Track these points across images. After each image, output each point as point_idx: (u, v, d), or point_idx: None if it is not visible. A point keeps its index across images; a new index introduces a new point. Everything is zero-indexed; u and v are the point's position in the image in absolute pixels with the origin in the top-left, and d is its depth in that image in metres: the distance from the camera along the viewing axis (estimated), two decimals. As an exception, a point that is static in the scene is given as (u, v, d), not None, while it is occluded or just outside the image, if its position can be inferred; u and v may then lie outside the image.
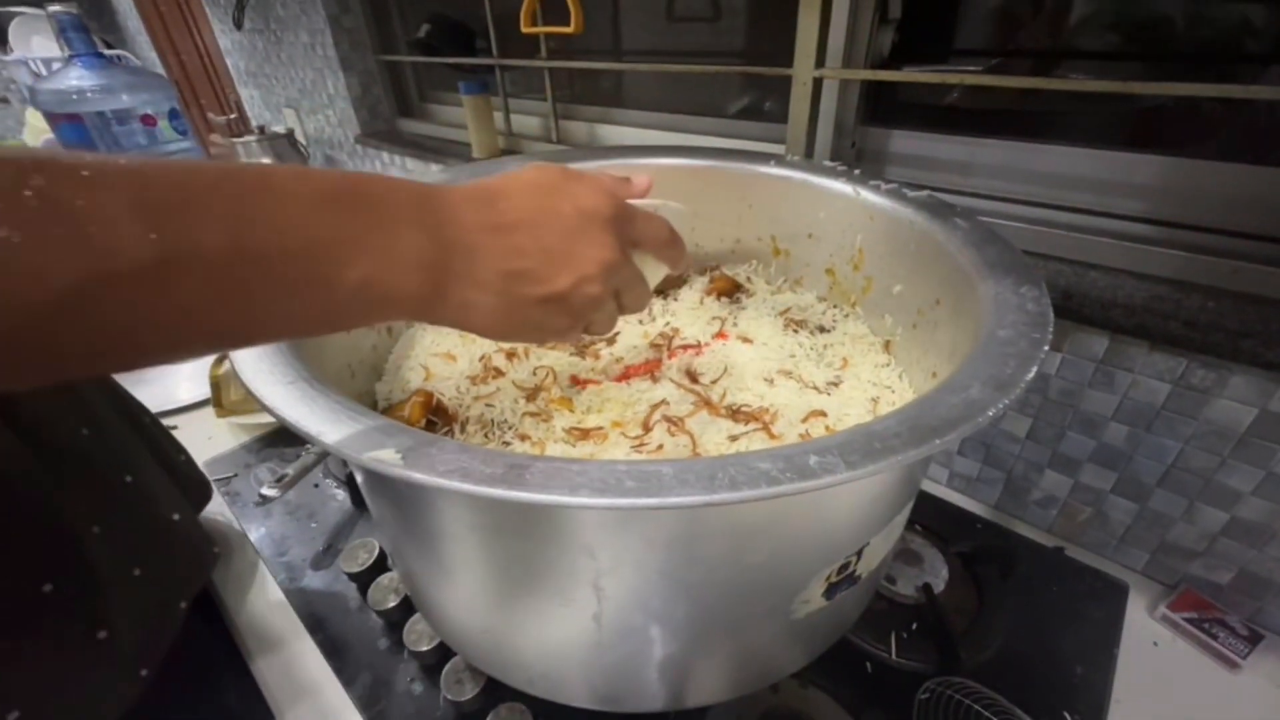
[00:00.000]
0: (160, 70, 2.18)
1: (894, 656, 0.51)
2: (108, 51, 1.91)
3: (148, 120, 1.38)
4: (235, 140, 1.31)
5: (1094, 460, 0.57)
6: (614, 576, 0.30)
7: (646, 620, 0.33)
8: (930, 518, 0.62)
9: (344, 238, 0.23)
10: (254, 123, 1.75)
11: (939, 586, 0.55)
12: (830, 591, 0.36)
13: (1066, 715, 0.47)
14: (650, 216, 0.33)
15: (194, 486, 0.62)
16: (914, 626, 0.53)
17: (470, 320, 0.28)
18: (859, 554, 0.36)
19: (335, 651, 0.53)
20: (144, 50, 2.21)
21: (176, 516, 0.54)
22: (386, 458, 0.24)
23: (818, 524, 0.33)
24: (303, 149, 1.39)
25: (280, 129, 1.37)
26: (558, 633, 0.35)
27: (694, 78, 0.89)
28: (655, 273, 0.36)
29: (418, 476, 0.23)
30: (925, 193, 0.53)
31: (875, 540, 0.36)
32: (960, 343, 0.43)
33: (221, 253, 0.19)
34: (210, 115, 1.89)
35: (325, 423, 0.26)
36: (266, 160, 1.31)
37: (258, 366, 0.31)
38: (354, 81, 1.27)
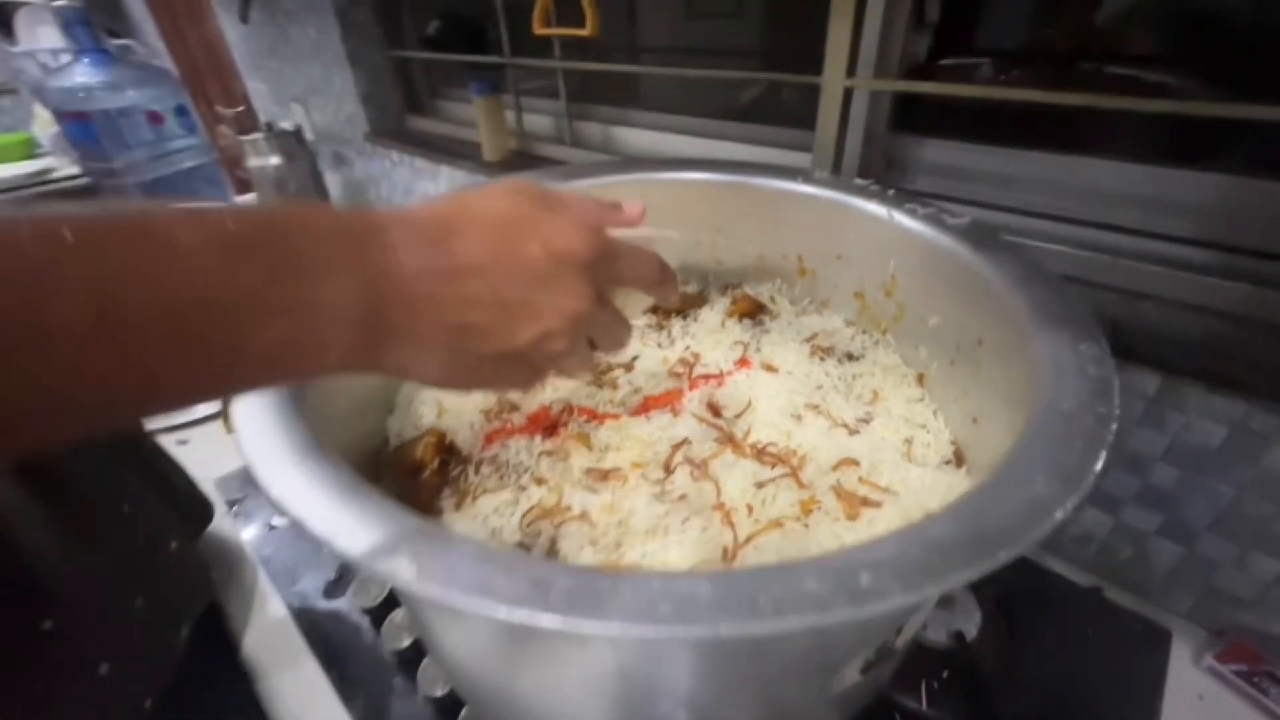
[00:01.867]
0: (167, 60, 2.16)
1: (924, 708, 0.49)
2: (114, 41, 1.89)
3: (154, 117, 1.36)
4: (244, 137, 1.29)
5: (1138, 501, 0.54)
6: (639, 669, 0.28)
7: (674, 706, 0.31)
8: (960, 553, 0.60)
9: (249, 294, 0.19)
10: (262, 117, 1.74)
11: (971, 633, 0.52)
12: (867, 669, 0.34)
13: (1106, 776, 0.44)
14: (638, 253, 0.30)
15: (195, 509, 0.62)
16: (945, 675, 0.51)
17: (410, 375, 0.25)
18: (898, 632, 0.33)
19: (348, 688, 0.52)
20: (151, 39, 2.18)
21: (174, 545, 0.54)
22: (401, 571, 0.21)
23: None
24: (310, 145, 1.37)
25: (288, 125, 1.35)
26: (580, 708, 0.34)
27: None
28: (639, 304, 0.33)
29: (435, 593, 0.21)
30: (968, 219, 0.50)
31: (915, 617, 0.34)
32: (1009, 395, 0.40)
33: (81, 326, 0.16)
34: (218, 108, 1.87)
35: (334, 521, 0.24)
36: (275, 159, 1.29)
37: (259, 430, 0.29)
38: (363, 77, 1.24)
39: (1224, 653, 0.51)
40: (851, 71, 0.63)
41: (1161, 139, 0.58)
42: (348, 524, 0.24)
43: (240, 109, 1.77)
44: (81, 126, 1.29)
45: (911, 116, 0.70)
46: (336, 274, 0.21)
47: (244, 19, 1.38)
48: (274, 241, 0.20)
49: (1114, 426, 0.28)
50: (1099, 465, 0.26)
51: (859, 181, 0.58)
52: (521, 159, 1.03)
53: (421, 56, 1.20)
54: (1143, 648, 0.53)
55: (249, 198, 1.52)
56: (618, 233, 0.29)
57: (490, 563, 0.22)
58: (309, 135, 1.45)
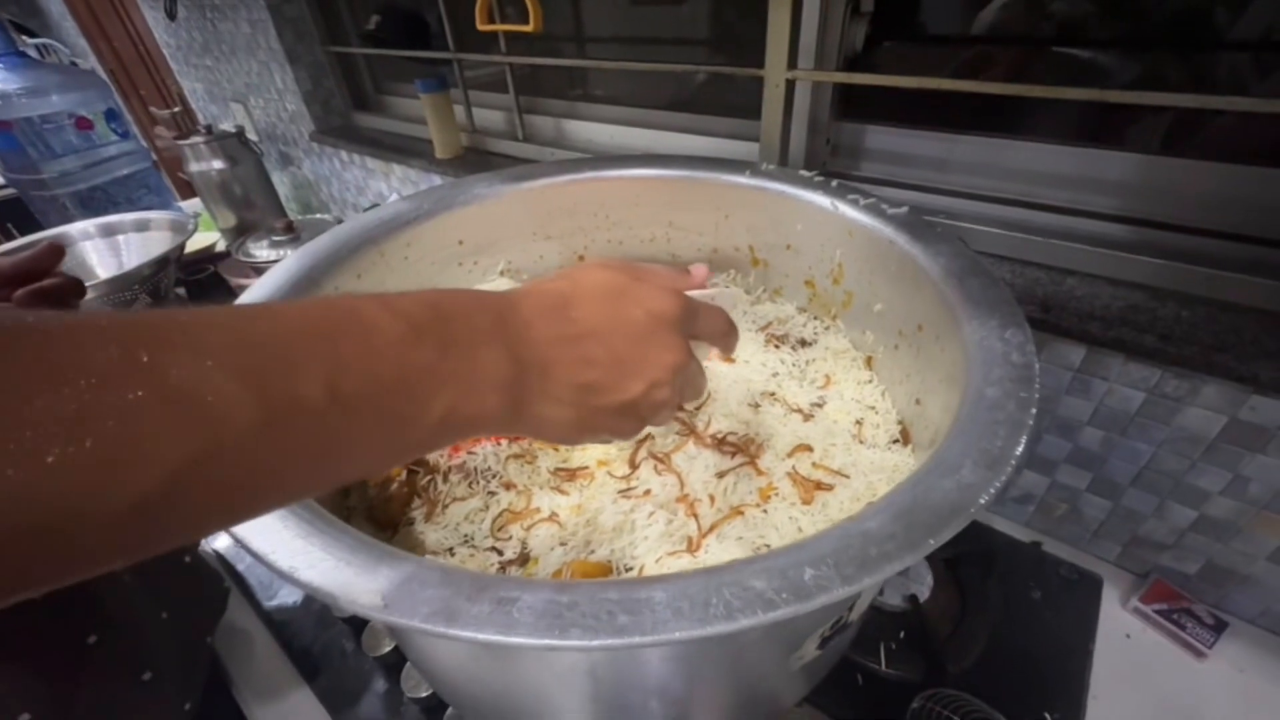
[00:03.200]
0: (92, 59, 2.04)
1: (884, 667, 0.52)
2: (31, 40, 1.78)
3: (83, 123, 1.29)
4: (182, 142, 1.23)
5: (1070, 461, 0.58)
6: (610, 666, 0.30)
7: (644, 697, 0.34)
8: (914, 521, 0.64)
9: (429, 368, 0.22)
10: (200, 117, 1.66)
11: (924, 594, 0.56)
12: (825, 643, 0.37)
13: (1047, 716, 0.49)
14: (710, 310, 0.33)
15: None
16: (902, 635, 0.54)
17: (543, 432, 0.28)
18: (850, 608, 0.36)
19: (331, 696, 0.53)
20: (71, 36, 2.05)
21: (188, 559, 0.56)
22: (368, 602, 0.23)
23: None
24: (255, 147, 1.32)
25: (229, 126, 1.30)
26: (558, 705, 0.35)
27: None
28: (705, 354, 0.37)
29: (400, 622, 0.22)
30: (905, 209, 0.52)
31: (865, 592, 0.37)
32: (946, 376, 0.42)
33: (318, 402, 0.19)
34: (153, 109, 1.78)
35: (297, 554, 0.25)
36: (218, 163, 1.24)
37: None
38: (303, 75, 1.20)
39: (1147, 594, 0.56)
40: (793, 63, 0.64)
41: (1086, 121, 0.62)
42: (310, 556, 0.25)
43: (177, 109, 1.69)
44: (2, 136, 1.22)
45: (854, 104, 0.72)
46: (489, 345, 0.24)
47: (170, 15, 1.32)
48: (444, 322, 0.23)
49: (1033, 411, 0.31)
50: (1019, 449, 0.29)
51: (804, 173, 0.60)
52: (474, 155, 1.01)
53: (363, 52, 1.17)
54: (1077, 595, 0.58)
55: (193, 203, 1.46)
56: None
57: (454, 585, 0.23)
58: (252, 136, 1.40)
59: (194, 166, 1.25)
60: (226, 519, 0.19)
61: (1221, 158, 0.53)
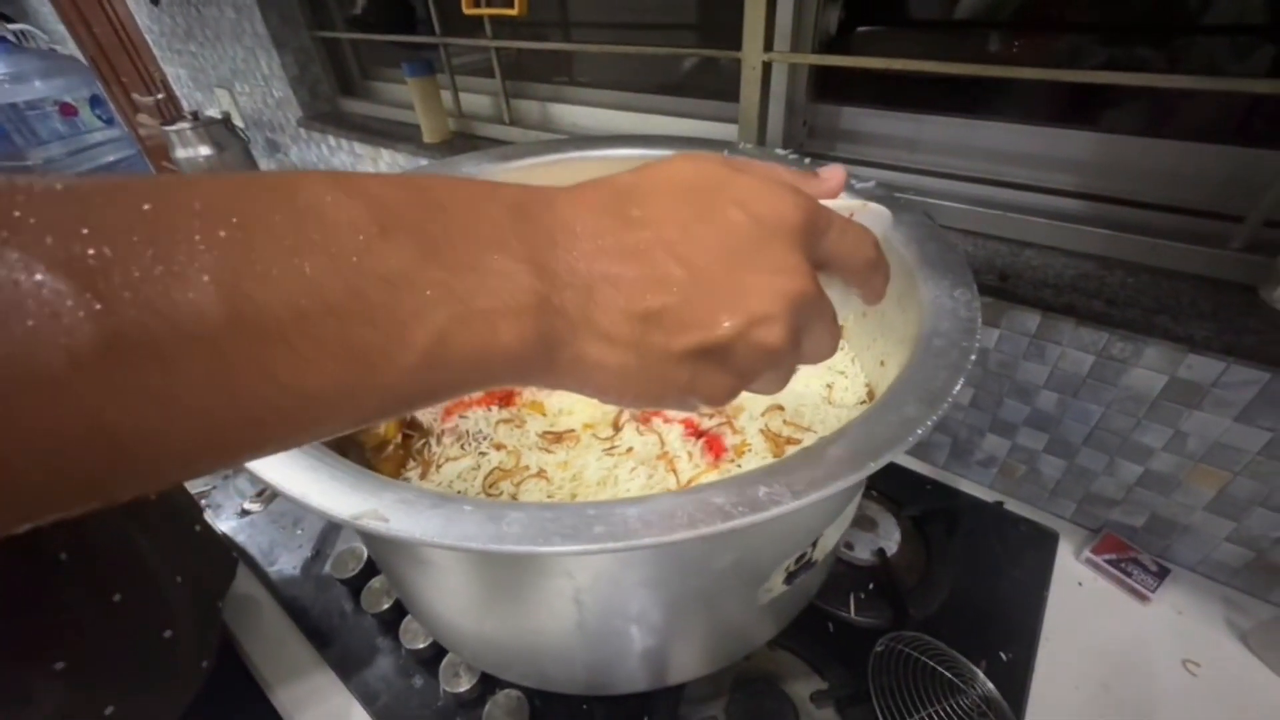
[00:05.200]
0: (72, 45, 2.01)
1: (853, 615, 0.56)
2: (9, 26, 1.76)
3: (67, 109, 1.29)
4: (168, 128, 1.24)
5: (1028, 424, 0.62)
6: (592, 592, 0.33)
7: (625, 623, 0.37)
8: (885, 483, 0.67)
9: (405, 277, 0.15)
10: (185, 104, 1.66)
11: (891, 549, 0.60)
12: (791, 578, 0.40)
13: (1001, 655, 0.53)
14: (850, 228, 0.22)
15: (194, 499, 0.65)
16: (870, 587, 0.58)
17: (589, 382, 0.20)
18: (814, 544, 0.39)
19: (334, 653, 0.56)
20: (49, 22, 2.03)
21: (198, 528, 0.58)
22: (373, 520, 0.26)
23: (775, 528, 0.36)
24: (242, 133, 1.33)
25: (215, 113, 1.30)
26: (545, 637, 0.39)
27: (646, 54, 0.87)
28: (844, 305, 0.26)
29: (403, 535, 0.25)
30: (872, 183, 0.55)
31: (828, 530, 0.40)
32: (905, 337, 0.46)
33: (209, 321, 0.12)
34: (135, 96, 1.77)
35: (308, 484, 0.28)
36: (205, 149, 1.24)
37: None
38: (289, 60, 1.21)
39: (1098, 546, 0.60)
40: (769, 45, 0.66)
41: (1048, 102, 0.65)
42: (321, 484, 0.27)
43: (160, 96, 1.68)
44: (-14, 123, 1.22)
45: (830, 85, 0.75)
46: (502, 250, 0.17)
47: (154, 0, 1.31)
48: (429, 210, 0.16)
49: (973, 356, 0.34)
50: (956, 388, 0.32)
51: (779, 151, 0.63)
52: (462, 139, 1.03)
53: (349, 37, 1.18)
54: (1035, 549, 0.62)
55: (178, 190, 1.46)
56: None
57: (449, 504, 0.26)
58: (238, 122, 1.41)
59: (180, 153, 1.25)
60: (81, 495, 0.13)
61: (1167, 135, 0.56)
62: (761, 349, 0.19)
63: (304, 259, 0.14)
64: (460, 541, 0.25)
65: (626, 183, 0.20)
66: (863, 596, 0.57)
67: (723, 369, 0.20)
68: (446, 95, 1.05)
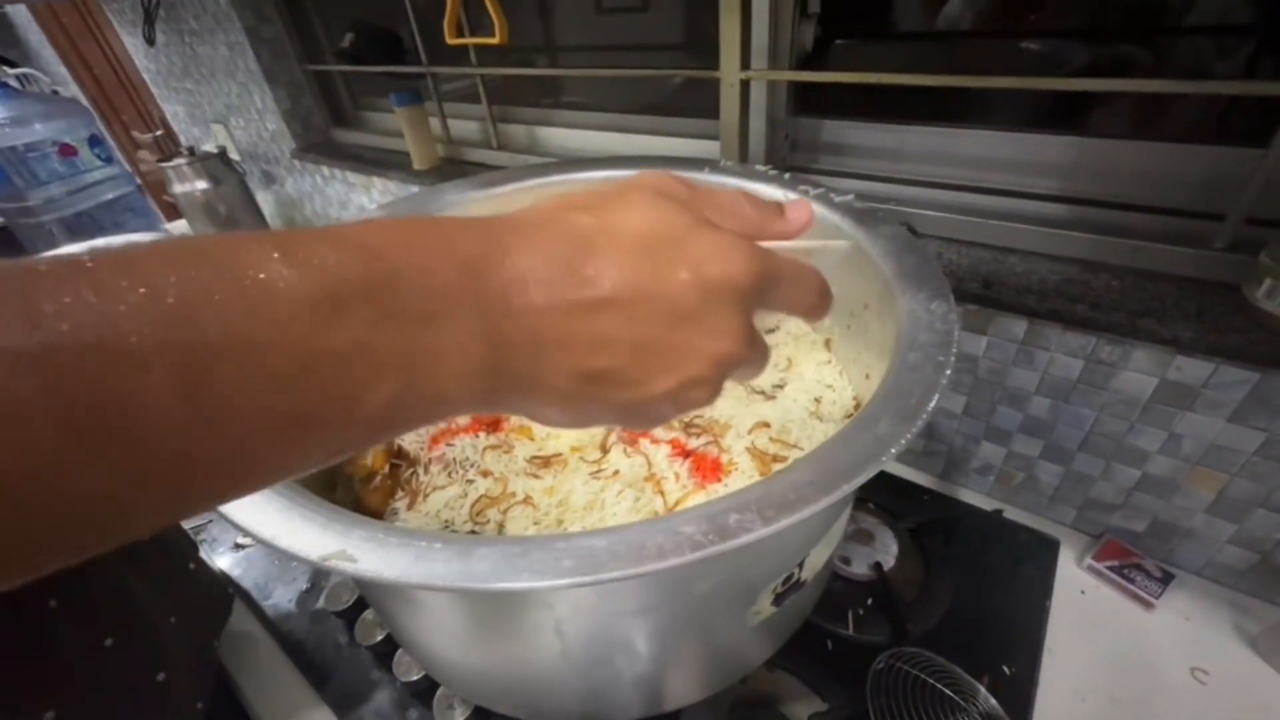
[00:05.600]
0: (73, 86, 2.06)
1: (852, 632, 0.55)
2: (11, 71, 1.80)
3: (66, 150, 1.32)
4: (165, 164, 1.26)
5: (1022, 430, 0.61)
6: (572, 623, 0.33)
7: (610, 651, 0.36)
8: (881, 495, 0.67)
9: (357, 351, 0.16)
10: (182, 140, 1.69)
11: (889, 563, 0.59)
12: (779, 600, 0.40)
13: (1005, 669, 0.52)
14: (800, 275, 0.23)
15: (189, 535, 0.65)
16: (869, 602, 0.57)
17: (529, 417, 0.22)
18: (800, 565, 0.39)
19: (331, 690, 0.56)
20: (51, 64, 2.07)
21: (192, 566, 0.58)
22: (342, 560, 0.25)
23: (755, 552, 0.36)
24: (237, 166, 1.34)
25: (211, 147, 1.32)
26: (531, 668, 0.38)
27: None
28: (773, 321, 0.26)
29: (369, 574, 0.25)
30: (851, 196, 0.55)
31: (815, 550, 0.40)
32: (885, 349, 0.45)
33: (167, 402, 0.13)
34: (135, 133, 1.80)
35: (278, 524, 0.28)
36: (202, 183, 1.26)
37: None
38: (282, 94, 1.23)
39: (1100, 552, 0.59)
40: (746, 63, 0.67)
41: (1028, 108, 0.65)
42: (291, 527, 0.27)
43: (159, 133, 1.72)
44: (-13, 167, 1.25)
45: (810, 99, 0.75)
46: (454, 316, 0.17)
47: (149, 40, 1.34)
48: (380, 281, 0.16)
49: (948, 371, 0.34)
50: (931, 404, 0.32)
51: (759, 168, 0.63)
52: (450, 165, 1.04)
53: (339, 70, 1.20)
54: (1036, 557, 0.61)
55: (179, 225, 1.48)
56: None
57: (419, 542, 0.26)
58: (234, 156, 1.43)
59: (178, 188, 1.27)
60: (46, 558, 0.13)
61: (1147, 137, 0.56)
62: (688, 402, 0.22)
63: (253, 335, 0.14)
64: (427, 580, 0.25)
65: (585, 228, 0.20)
66: (861, 613, 0.56)
67: (646, 417, 0.22)
68: (435, 122, 1.07)
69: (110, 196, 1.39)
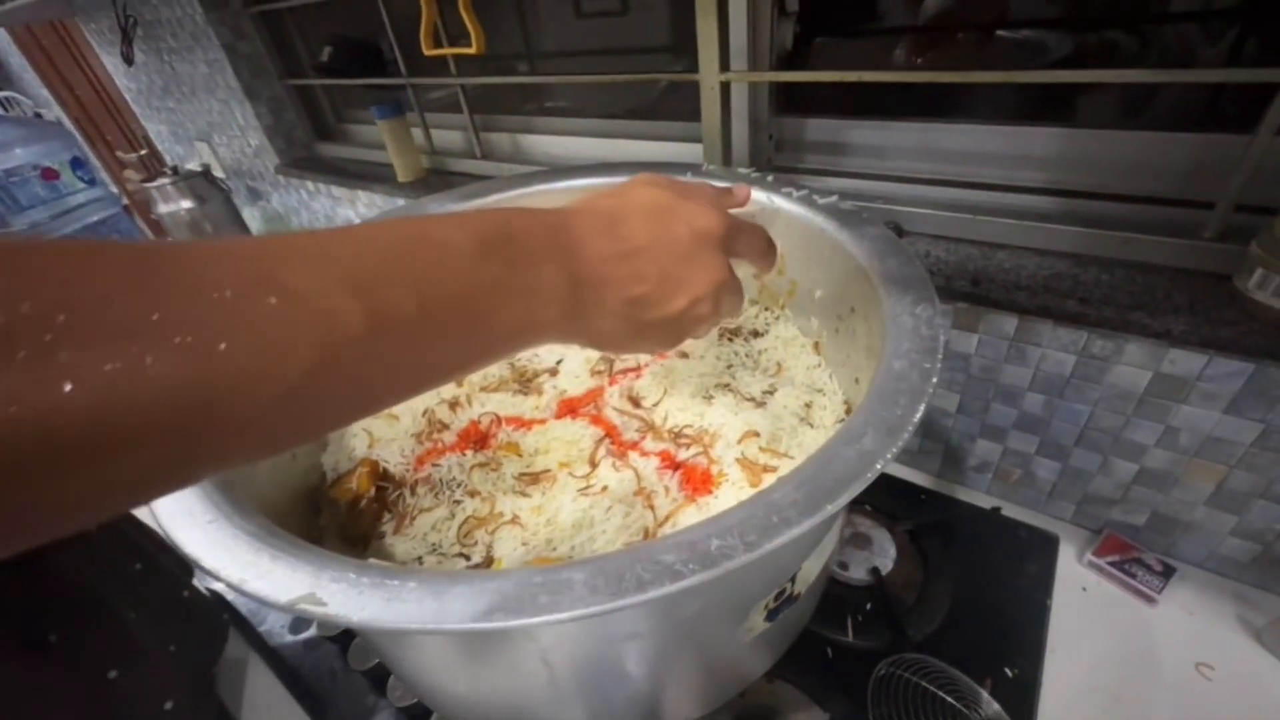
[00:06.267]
0: (56, 108, 2.05)
1: (851, 639, 0.55)
2: (-8, 95, 1.78)
3: (49, 174, 1.31)
4: (149, 185, 1.25)
5: (1018, 427, 0.61)
6: (557, 650, 0.32)
7: (599, 676, 0.35)
8: (879, 497, 0.66)
9: (497, 282, 0.24)
10: (167, 158, 1.68)
11: (887, 567, 0.58)
12: (773, 615, 0.39)
13: (1007, 671, 0.51)
14: (753, 228, 0.35)
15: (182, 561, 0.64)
16: (868, 607, 0.57)
17: (596, 341, 0.30)
18: (793, 579, 0.38)
19: (327, 714, 0.55)
20: (33, 87, 2.06)
21: (187, 593, 0.57)
22: (311, 604, 0.25)
23: (743, 573, 0.35)
24: (223, 184, 1.34)
25: (196, 166, 1.31)
26: (521, 696, 0.37)
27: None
28: (745, 274, 0.38)
29: (340, 618, 0.24)
30: (834, 197, 0.54)
31: (807, 564, 0.39)
32: (873, 353, 0.45)
33: (409, 315, 0.21)
34: (119, 154, 1.79)
35: (247, 566, 0.27)
36: (187, 203, 1.25)
37: (175, 506, 0.31)
38: (263, 110, 1.22)
39: (1100, 548, 0.58)
40: (725, 65, 0.66)
41: (1011, 100, 0.64)
42: (259, 569, 0.27)
43: (143, 152, 1.71)
44: (-32, 194, 1.24)
45: (793, 98, 0.74)
46: (547, 262, 0.26)
47: (128, 60, 1.33)
48: (506, 239, 0.25)
49: (934, 380, 0.33)
50: (917, 416, 0.31)
51: (741, 170, 0.62)
52: (435, 176, 1.04)
53: (319, 83, 1.19)
54: (1036, 554, 0.60)
55: (165, 244, 1.47)
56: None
57: (392, 582, 0.25)
58: (219, 173, 1.42)
59: (163, 208, 1.26)
60: (355, 414, 0.22)
61: (1133, 126, 0.55)
62: (698, 317, 0.32)
63: (441, 272, 0.23)
64: (399, 623, 0.24)
65: (610, 206, 0.30)
66: (860, 619, 0.56)
67: (675, 329, 0.32)
68: (418, 133, 1.06)
69: (95, 219, 1.38)
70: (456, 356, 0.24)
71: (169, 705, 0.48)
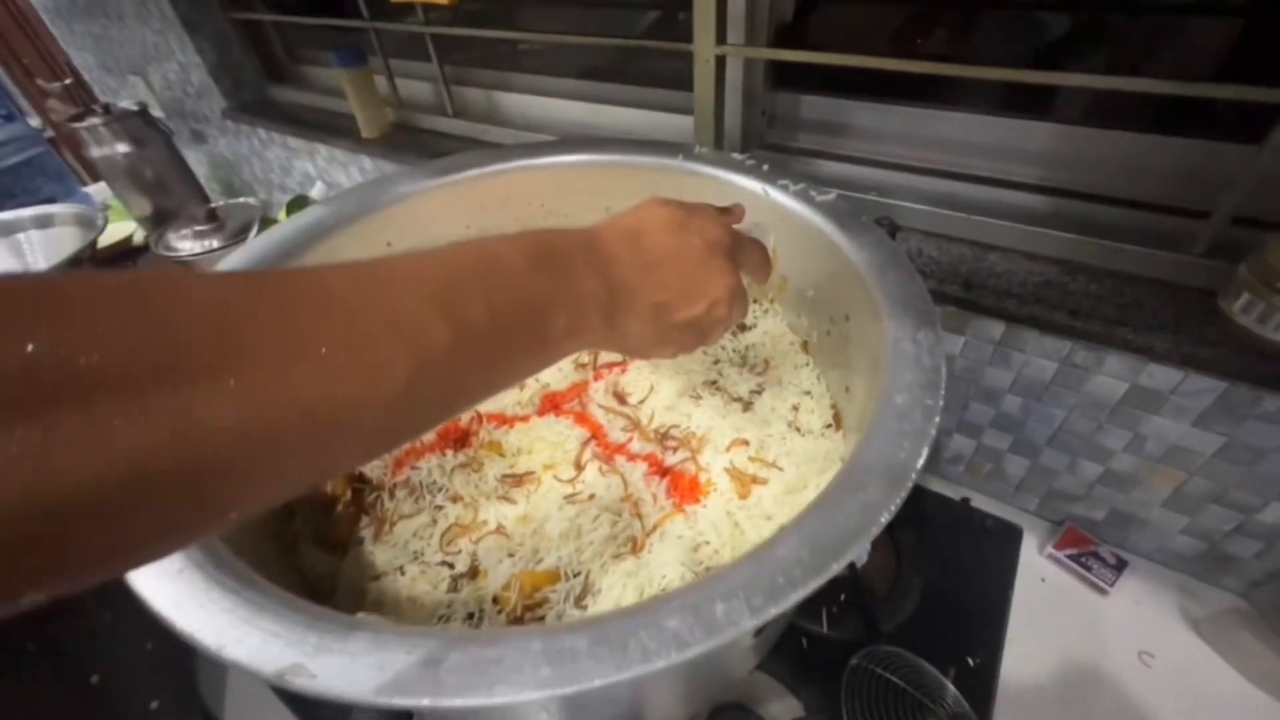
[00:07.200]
0: (-41, 22, 1.81)
1: (826, 630, 0.57)
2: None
3: (-43, 109, 1.17)
4: (78, 125, 1.13)
5: (994, 426, 0.62)
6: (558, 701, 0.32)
7: (587, 709, 0.36)
8: (854, 487, 0.67)
9: (549, 292, 0.26)
10: (97, 90, 1.51)
11: (863, 559, 0.60)
12: (759, 631, 0.39)
13: (969, 660, 0.54)
14: (752, 242, 0.38)
15: None
16: (842, 598, 0.59)
17: (627, 344, 0.33)
18: (781, 600, 0.39)
19: (307, 707, 0.55)
20: (-70, -4, 1.81)
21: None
22: (299, 676, 0.23)
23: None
24: (162, 125, 1.22)
25: (130, 103, 1.19)
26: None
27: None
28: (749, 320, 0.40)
29: (333, 695, 0.23)
30: (833, 195, 0.52)
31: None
32: (867, 363, 0.44)
33: (483, 325, 0.23)
34: (40, 82, 1.61)
35: (224, 628, 0.25)
36: (123, 146, 1.14)
37: None
38: (205, 45, 1.10)
39: (1060, 541, 0.61)
40: (721, 38, 0.62)
41: (1011, 91, 0.62)
42: (239, 630, 0.25)
43: (68, 81, 1.54)
44: None
45: (789, 72, 0.70)
46: (586, 273, 0.29)
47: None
48: (551, 253, 0.27)
49: (937, 419, 0.33)
50: (920, 462, 0.30)
51: (736, 156, 0.59)
52: (402, 133, 0.96)
53: (269, 19, 1.07)
54: (1000, 545, 0.63)
55: (101, 188, 1.35)
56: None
57: (383, 649, 0.24)
58: (158, 113, 1.29)
59: (95, 151, 1.15)
60: (440, 419, 0.24)
61: (1132, 128, 0.54)
62: (716, 319, 0.34)
63: (501, 283, 0.25)
64: (395, 698, 0.23)
65: (631, 224, 0.33)
66: (834, 610, 0.58)
67: (695, 331, 0.34)
68: (383, 82, 0.97)
69: (17, 159, 1.25)
70: (521, 361, 0.27)
71: (154, 705, 0.48)
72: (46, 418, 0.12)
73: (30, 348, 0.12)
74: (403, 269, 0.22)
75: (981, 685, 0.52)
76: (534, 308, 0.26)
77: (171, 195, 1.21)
